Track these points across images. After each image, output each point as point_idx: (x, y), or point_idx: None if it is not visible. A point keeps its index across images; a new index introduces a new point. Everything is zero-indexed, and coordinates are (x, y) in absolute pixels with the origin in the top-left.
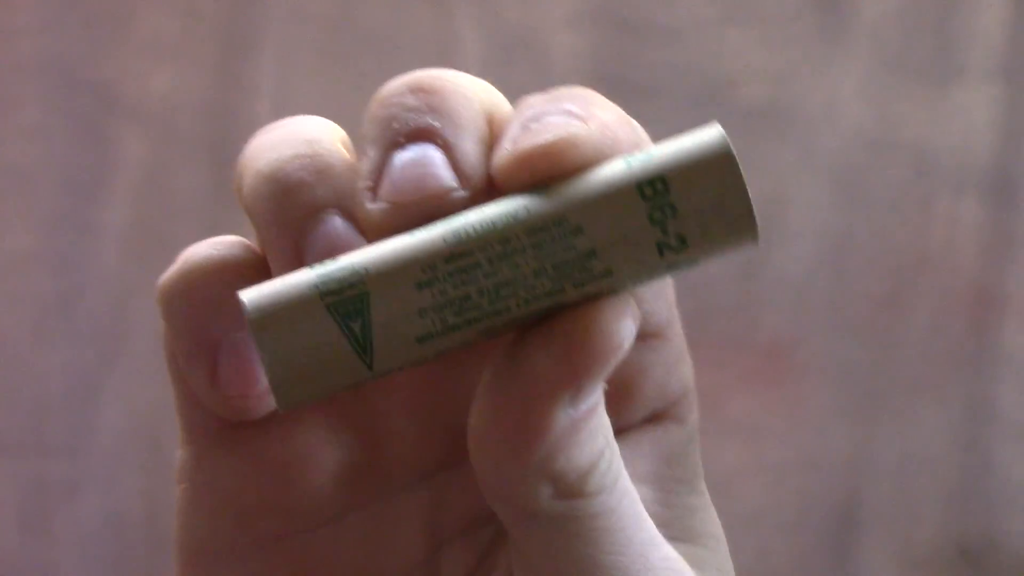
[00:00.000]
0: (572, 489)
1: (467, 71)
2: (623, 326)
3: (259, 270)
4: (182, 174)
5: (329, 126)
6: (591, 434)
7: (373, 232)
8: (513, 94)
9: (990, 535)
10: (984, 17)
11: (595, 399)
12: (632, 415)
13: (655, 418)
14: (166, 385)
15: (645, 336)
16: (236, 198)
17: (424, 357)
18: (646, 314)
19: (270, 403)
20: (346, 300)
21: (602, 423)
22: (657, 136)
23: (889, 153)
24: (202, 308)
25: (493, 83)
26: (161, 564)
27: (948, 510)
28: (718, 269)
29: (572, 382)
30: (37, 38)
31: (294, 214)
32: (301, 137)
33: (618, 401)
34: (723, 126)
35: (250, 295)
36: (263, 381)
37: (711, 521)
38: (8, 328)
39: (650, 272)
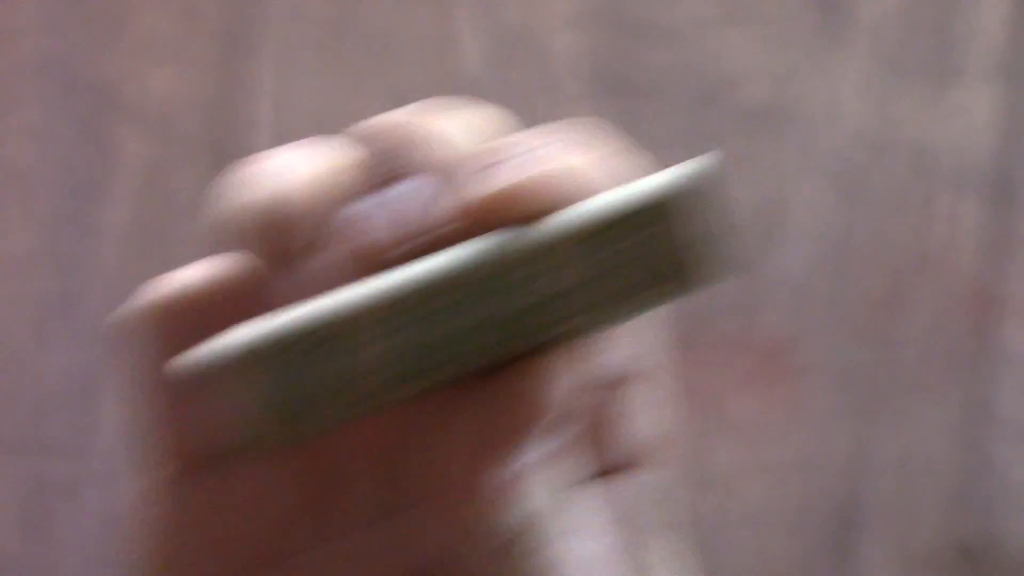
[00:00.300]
0: (501, 551)
1: (467, 71)
2: (551, 389)
3: (233, 303)
4: (182, 174)
5: (318, 164)
6: (523, 496)
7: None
8: (513, 94)
9: (990, 535)
10: (984, 17)
11: (530, 459)
12: (604, 460)
13: (627, 465)
14: None
15: (624, 379)
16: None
17: (383, 405)
18: (624, 357)
19: (232, 443)
20: (304, 351)
21: (538, 483)
22: (656, 137)
23: (889, 153)
24: (171, 345)
25: (493, 83)
26: None
27: (948, 510)
28: None
29: (497, 447)
30: (37, 38)
31: (275, 252)
32: (284, 177)
33: (591, 444)
34: (723, 126)
35: (211, 350)
36: (226, 425)
37: (681, 571)
38: (8, 328)
39: (603, 320)
